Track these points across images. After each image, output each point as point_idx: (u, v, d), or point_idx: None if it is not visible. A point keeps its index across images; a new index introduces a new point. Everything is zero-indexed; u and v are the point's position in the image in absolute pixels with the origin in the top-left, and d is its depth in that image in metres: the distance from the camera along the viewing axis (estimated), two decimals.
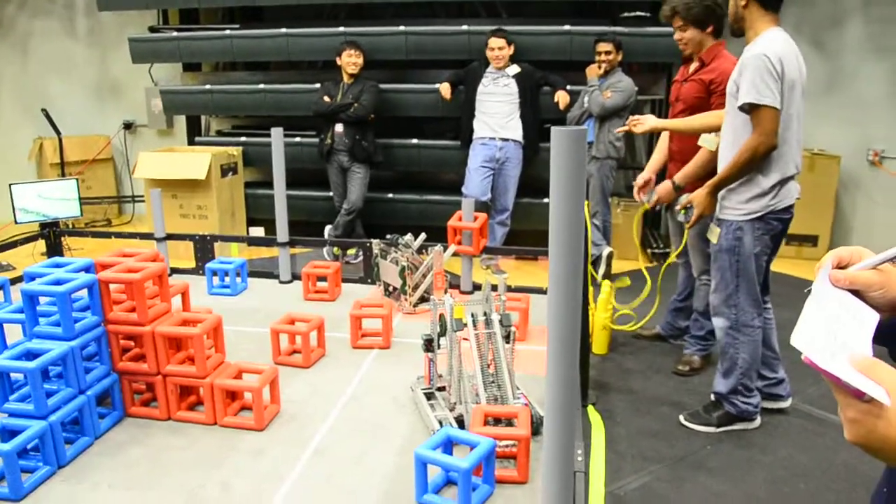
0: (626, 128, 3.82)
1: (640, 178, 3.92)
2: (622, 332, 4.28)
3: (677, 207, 3.41)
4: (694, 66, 3.71)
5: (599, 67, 5.48)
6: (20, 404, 2.21)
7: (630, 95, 5.39)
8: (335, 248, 5.77)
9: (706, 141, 3.51)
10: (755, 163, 2.96)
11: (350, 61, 5.73)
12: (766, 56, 2.86)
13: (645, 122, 3.71)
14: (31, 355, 2.24)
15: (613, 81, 5.40)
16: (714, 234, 3.19)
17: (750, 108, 2.91)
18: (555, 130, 1.40)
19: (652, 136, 6.61)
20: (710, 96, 3.60)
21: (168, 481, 2.17)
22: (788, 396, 3.46)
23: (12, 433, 2.15)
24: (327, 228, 6.02)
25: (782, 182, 3.02)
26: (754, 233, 3.05)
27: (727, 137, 3.11)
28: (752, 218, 3.05)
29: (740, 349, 3.18)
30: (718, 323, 3.25)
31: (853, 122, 6.49)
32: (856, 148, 6.52)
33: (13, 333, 2.75)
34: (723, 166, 3.10)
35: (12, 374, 2.33)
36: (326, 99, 5.77)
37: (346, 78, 5.80)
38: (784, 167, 3.00)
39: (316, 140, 6.16)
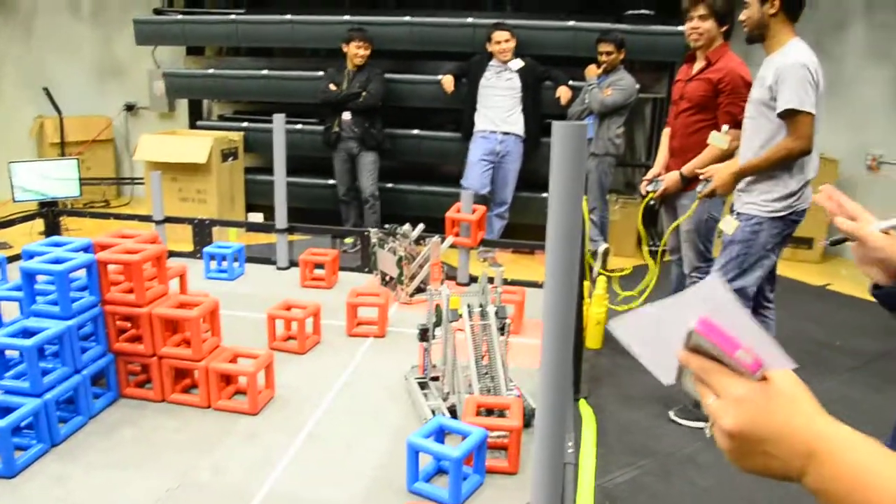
0: (708, 192, 3.40)
1: (651, 173, 3.98)
2: None
3: (700, 175, 3.42)
4: (699, 65, 3.73)
5: (599, 67, 5.49)
6: (16, 381, 2.22)
7: (631, 94, 5.41)
8: (346, 239, 5.76)
9: (717, 139, 3.55)
10: (786, 162, 3.05)
11: (358, 53, 5.73)
12: (806, 66, 2.97)
13: (717, 174, 3.32)
14: (27, 333, 2.25)
15: (615, 79, 5.41)
16: (731, 226, 3.22)
17: (787, 114, 2.97)
18: (556, 124, 1.41)
19: (652, 134, 6.64)
20: (718, 95, 3.63)
21: (160, 462, 2.19)
22: None
23: (7, 410, 2.16)
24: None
25: (805, 185, 3.12)
26: (772, 230, 3.12)
27: (754, 142, 3.16)
28: (774, 216, 3.12)
29: None
30: None
31: (852, 127, 6.50)
32: (854, 152, 6.54)
33: (9, 311, 2.77)
34: (749, 160, 3.16)
35: (8, 352, 2.34)
36: (332, 87, 5.77)
37: (350, 65, 5.80)
38: (808, 171, 3.12)
39: (318, 127, 6.16)
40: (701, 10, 3.64)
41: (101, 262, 2.44)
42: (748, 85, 3.55)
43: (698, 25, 3.67)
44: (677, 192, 3.79)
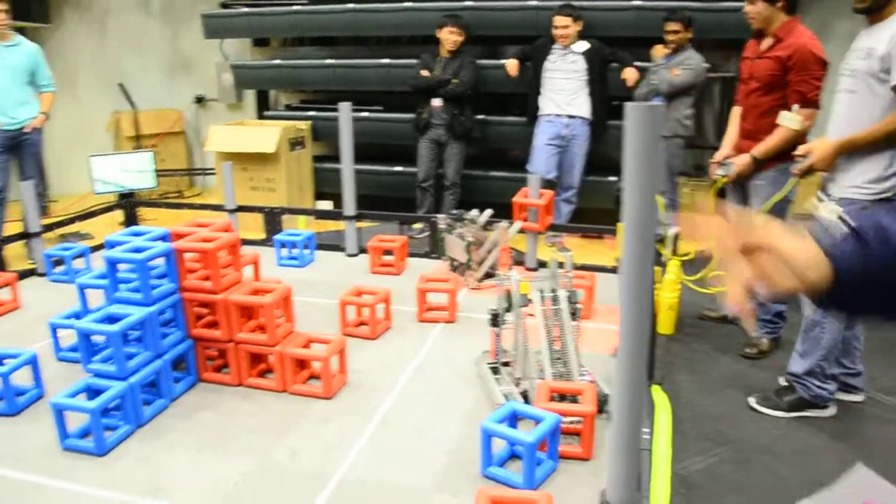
0: (804, 168, 3.21)
1: (718, 155, 3.84)
2: (689, 313, 4.22)
3: (794, 153, 3.23)
4: (768, 42, 3.59)
5: (666, 46, 5.36)
6: (103, 365, 2.31)
7: (699, 73, 5.27)
8: (414, 224, 5.78)
9: (787, 119, 3.41)
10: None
11: (451, 39, 5.71)
12: None
13: (816, 149, 3.12)
14: (112, 319, 2.33)
15: (683, 58, 5.28)
16: (832, 213, 3.04)
17: None
18: (630, 106, 1.39)
19: (721, 114, 6.47)
20: (786, 73, 3.49)
21: (239, 445, 2.25)
22: (862, 391, 3.37)
23: (96, 392, 2.26)
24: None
25: None
26: None
27: (859, 116, 2.93)
28: (881, 198, 2.92)
29: (827, 329, 3.08)
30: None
31: None
32: None
33: (92, 298, 2.88)
34: (854, 134, 2.94)
35: (94, 337, 2.43)
36: (424, 73, 5.77)
37: (443, 52, 5.79)
38: None
39: (384, 115, 6.20)
40: None
41: (179, 250, 2.51)
42: (819, 61, 3.40)
43: (749, 10, 3.55)
44: (748, 174, 3.68)
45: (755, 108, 3.66)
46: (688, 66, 5.24)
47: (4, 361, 2.48)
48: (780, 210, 3.58)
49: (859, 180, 2.93)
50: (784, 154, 3.40)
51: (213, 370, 2.67)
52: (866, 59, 2.88)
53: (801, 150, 3.16)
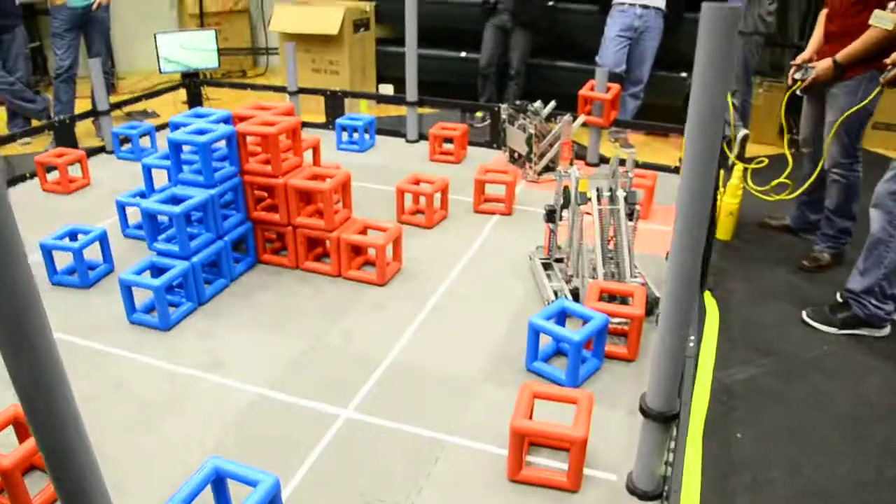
0: (892, 78, 3.09)
1: (800, 57, 3.63)
2: (749, 220, 4.13)
3: (886, 60, 3.04)
4: None
5: None
6: (167, 244, 2.39)
7: None
8: (476, 113, 5.69)
9: (881, 18, 3.17)
10: None
11: None
12: None
13: None
14: (175, 200, 2.40)
15: None
16: None
17: None
18: (706, 7, 1.32)
19: (808, 11, 6.10)
20: None
21: (295, 325, 2.33)
22: None
23: (160, 270, 2.35)
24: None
25: None
26: None
27: None
28: None
29: (892, 248, 2.99)
30: (875, 215, 3.04)
31: None
32: None
33: (158, 178, 2.95)
34: None
35: (158, 216, 2.51)
36: None
37: None
38: None
39: None
40: None
41: (241, 133, 2.53)
42: None
43: None
44: (828, 80, 3.48)
45: (846, 8, 3.41)
46: None
47: (78, 237, 2.59)
48: (857, 122, 3.39)
49: None
50: (869, 62, 3.19)
51: (272, 252, 2.75)
52: None
53: (893, 57, 2.97)
